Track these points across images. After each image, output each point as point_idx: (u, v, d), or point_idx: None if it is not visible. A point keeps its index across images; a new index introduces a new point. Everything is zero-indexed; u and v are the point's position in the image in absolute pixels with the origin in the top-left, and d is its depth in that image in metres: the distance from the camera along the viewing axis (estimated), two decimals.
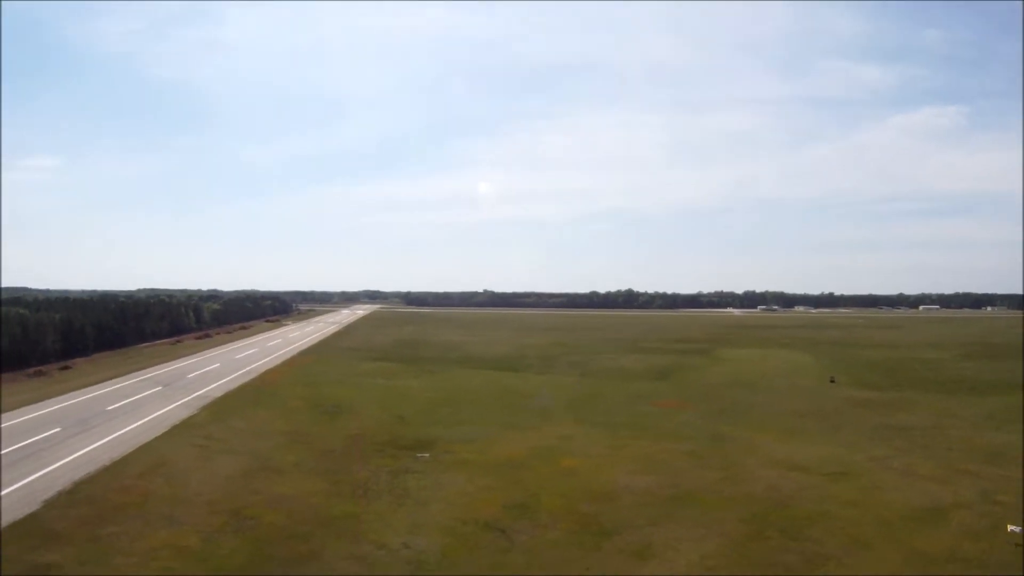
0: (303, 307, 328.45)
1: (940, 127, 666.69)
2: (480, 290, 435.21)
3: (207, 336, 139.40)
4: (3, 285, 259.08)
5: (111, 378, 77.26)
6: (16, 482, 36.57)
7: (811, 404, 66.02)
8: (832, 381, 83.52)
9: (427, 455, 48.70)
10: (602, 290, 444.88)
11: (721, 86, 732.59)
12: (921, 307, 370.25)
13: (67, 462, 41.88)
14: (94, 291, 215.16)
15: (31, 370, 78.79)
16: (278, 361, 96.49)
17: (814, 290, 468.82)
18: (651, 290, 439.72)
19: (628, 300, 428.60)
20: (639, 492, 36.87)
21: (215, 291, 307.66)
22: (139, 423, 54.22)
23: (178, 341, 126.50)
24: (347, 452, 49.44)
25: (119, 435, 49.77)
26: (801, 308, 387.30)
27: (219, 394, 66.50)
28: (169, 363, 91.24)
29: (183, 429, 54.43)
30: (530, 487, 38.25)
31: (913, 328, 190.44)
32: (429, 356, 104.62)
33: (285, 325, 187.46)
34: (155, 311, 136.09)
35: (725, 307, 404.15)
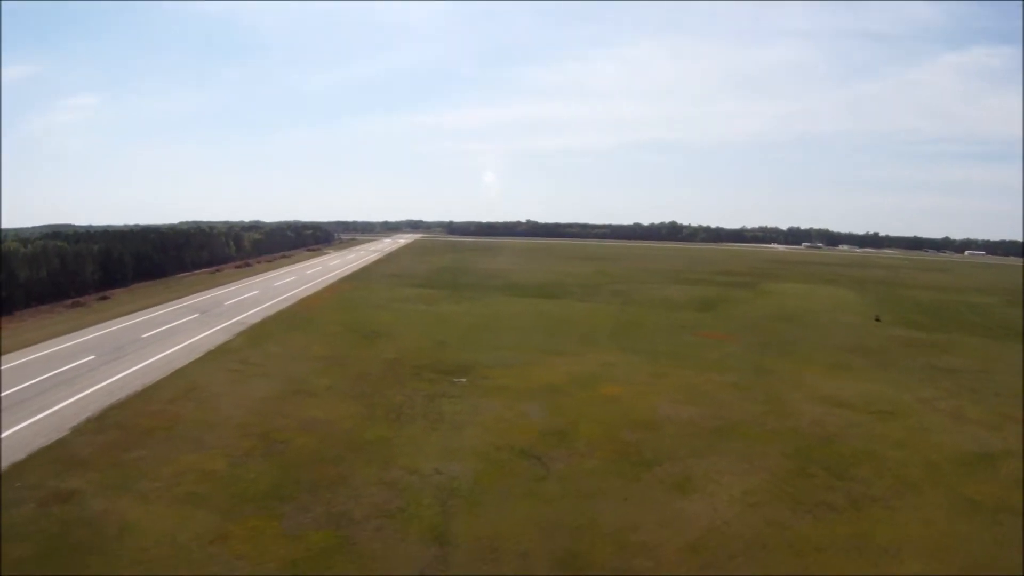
0: (344, 236, 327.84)
1: (992, 68, 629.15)
2: (523, 220, 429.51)
3: (247, 265, 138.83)
4: (46, 223, 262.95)
5: (148, 307, 76.34)
6: (46, 410, 35.88)
7: (857, 341, 63.81)
8: (877, 320, 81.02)
9: (464, 380, 47.50)
10: (645, 222, 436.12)
11: (772, 17, 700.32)
12: (967, 252, 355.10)
13: (98, 389, 42.65)
14: (136, 225, 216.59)
15: (69, 301, 78.34)
16: (317, 288, 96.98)
17: (859, 229, 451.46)
18: (695, 223, 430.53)
19: (672, 232, 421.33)
20: (682, 422, 35.58)
21: (257, 222, 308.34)
22: (174, 349, 55.05)
23: (217, 270, 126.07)
24: (383, 376, 48.37)
25: (152, 361, 49.75)
26: (845, 247, 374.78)
27: (256, 320, 66.00)
28: (207, 291, 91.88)
29: (218, 354, 54.04)
30: (569, 414, 36.91)
31: (959, 272, 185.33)
32: (470, 283, 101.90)
33: (326, 254, 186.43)
34: (195, 241, 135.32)
35: (769, 242, 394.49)
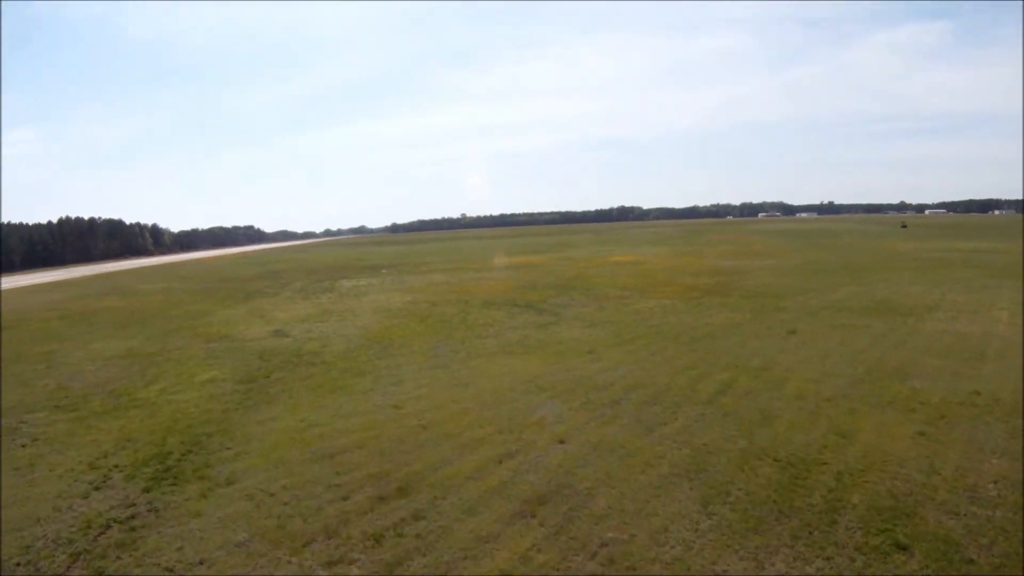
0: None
1: (926, 44, 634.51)
2: (467, 213, 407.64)
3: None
4: None
5: None
6: None
7: (910, 232, 55.28)
8: (904, 227, 68.64)
9: (385, 270, 32.58)
10: (593, 208, 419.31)
11: (709, 7, 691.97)
12: (927, 211, 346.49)
13: None
14: None
15: None
16: None
17: (814, 200, 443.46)
18: (645, 206, 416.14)
19: (623, 214, 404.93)
20: (769, 269, 26.62)
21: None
22: None
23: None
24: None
25: None
26: (804, 214, 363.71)
27: None
28: None
29: None
30: (560, 274, 26.81)
31: (931, 224, 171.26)
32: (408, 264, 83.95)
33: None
34: (101, 229, 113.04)
35: (724, 216, 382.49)
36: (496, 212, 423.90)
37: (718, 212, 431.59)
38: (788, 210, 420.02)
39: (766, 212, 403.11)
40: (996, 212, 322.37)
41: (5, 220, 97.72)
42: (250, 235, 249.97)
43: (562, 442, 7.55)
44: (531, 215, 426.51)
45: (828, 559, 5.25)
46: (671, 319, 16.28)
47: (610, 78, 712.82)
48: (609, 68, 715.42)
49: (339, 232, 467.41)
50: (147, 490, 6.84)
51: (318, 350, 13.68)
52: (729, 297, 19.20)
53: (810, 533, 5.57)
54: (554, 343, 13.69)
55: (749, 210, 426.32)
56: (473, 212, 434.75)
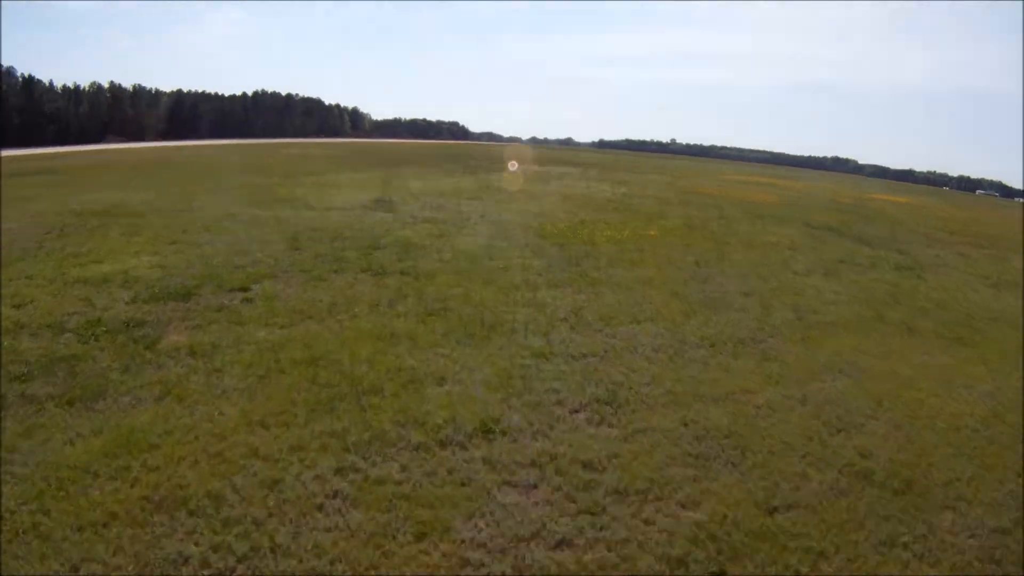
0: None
1: None
2: (669, 140, 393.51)
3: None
4: None
5: None
6: None
7: None
8: None
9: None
10: (806, 154, 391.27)
11: None
12: None
13: None
14: None
15: None
16: None
17: None
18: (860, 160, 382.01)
19: (836, 164, 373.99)
20: None
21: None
22: None
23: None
24: None
25: None
26: None
27: None
28: None
29: None
30: (830, 199, 20.64)
31: None
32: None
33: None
34: (298, 106, 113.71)
35: (940, 185, 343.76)
36: (706, 143, 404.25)
37: (934, 180, 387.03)
38: (1006, 192, 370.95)
39: (984, 190, 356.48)
40: None
41: (199, 90, 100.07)
42: (454, 131, 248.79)
43: None
44: (740, 150, 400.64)
45: None
46: None
47: (836, 22, 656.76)
48: (837, 11, 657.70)
49: (546, 141, 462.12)
50: None
51: (421, 242, 6.61)
52: None
53: None
54: (1007, 317, 5.70)
55: (966, 184, 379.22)
56: (682, 139, 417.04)
